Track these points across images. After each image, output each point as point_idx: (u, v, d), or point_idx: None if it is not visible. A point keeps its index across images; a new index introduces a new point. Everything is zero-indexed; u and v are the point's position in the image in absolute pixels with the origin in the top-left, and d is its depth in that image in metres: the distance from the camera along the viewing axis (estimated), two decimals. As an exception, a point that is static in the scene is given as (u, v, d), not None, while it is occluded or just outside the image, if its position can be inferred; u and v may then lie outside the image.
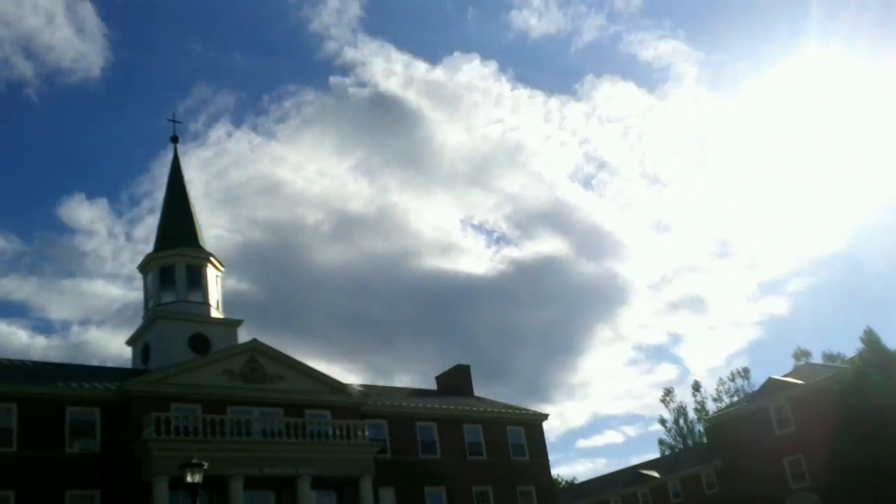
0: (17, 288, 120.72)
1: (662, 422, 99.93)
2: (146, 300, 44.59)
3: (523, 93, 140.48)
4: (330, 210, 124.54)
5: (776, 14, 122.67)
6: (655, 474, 72.55)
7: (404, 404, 45.67)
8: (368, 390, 45.48)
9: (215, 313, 43.88)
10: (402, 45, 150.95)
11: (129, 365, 43.89)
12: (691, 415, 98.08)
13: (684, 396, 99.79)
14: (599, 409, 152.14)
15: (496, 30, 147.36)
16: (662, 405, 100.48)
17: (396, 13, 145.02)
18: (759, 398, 58.17)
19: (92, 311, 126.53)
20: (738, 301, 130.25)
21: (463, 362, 55.43)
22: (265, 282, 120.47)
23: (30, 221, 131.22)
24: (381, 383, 56.42)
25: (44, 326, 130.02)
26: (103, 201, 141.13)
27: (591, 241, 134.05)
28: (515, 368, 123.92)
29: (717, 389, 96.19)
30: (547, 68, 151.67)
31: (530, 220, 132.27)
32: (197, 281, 43.91)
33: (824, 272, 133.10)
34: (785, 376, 58.48)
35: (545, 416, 51.36)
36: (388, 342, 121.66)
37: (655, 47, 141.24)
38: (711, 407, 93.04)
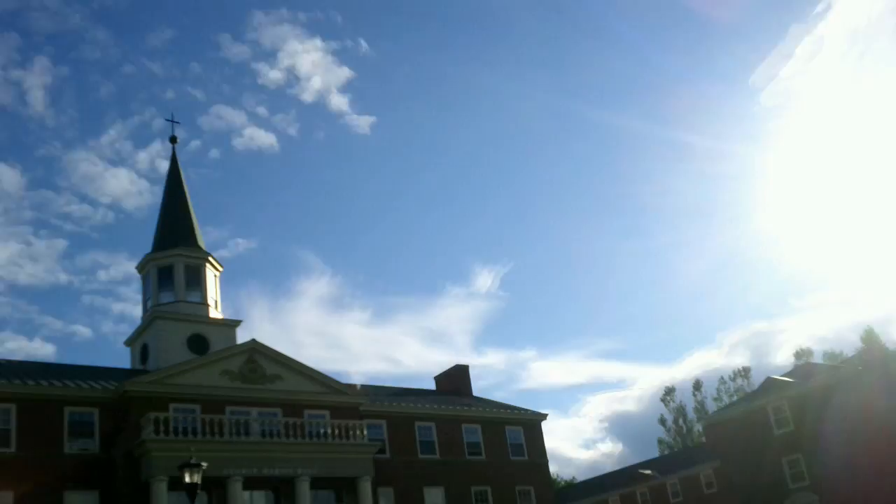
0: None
1: (662, 421, 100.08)
2: (145, 300, 44.59)
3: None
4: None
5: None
6: (654, 474, 72.59)
7: (403, 404, 45.65)
8: (367, 390, 45.50)
9: (214, 313, 43.91)
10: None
11: (127, 365, 43.90)
12: (690, 415, 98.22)
13: (684, 396, 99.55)
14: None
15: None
16: (662, 405, 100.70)
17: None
18: (757, 398, 58.15)
19: None
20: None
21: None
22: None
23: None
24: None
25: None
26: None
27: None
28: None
29: (717, 389, 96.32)
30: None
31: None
32: (196, 281, 43.93)
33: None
34: (784, 376, 58.53)
35: (544, 416, 51.36)
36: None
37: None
38: (712, 407, 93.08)
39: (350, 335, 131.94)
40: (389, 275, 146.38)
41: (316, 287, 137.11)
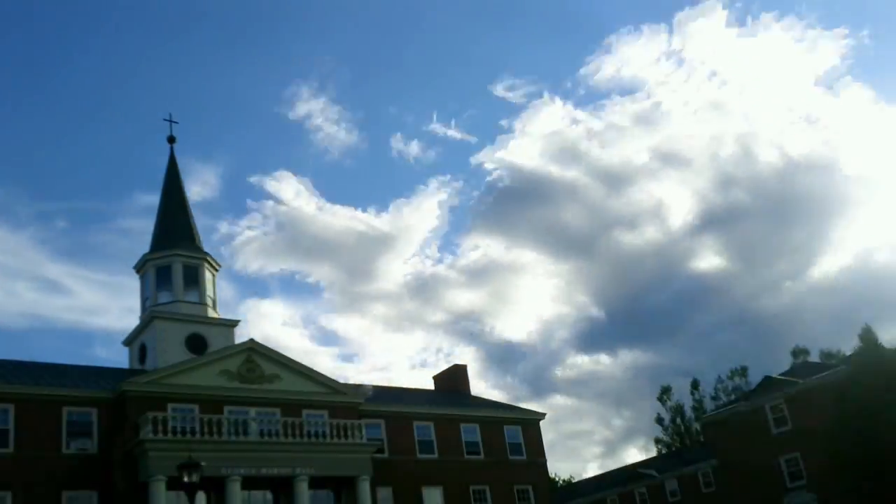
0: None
1: (660, 420, 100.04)
2: (143, 300, 44.60)
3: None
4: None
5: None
6: (653, 473, 72.61)
7: (401, 404, 45.69)
8: (366, 390, 45.51)
9: (212, 313, 43.94)
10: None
11: (126, 365, 43.90)
12: (689, 413, 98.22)
13: (682, 395, 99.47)
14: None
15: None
16: (660, 403, 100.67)
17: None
18: (755, 397, 58.23)
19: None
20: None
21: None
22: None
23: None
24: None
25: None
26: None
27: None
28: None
29: (714, 388, 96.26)
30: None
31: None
32: (194, 281, 43.97)
33: None
34: (782, 375, 58.56)
35: (542, 416, 51.39)
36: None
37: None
38: (710, 406, 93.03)
39: (70, 283, 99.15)
40: (40, 174, 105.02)
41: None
